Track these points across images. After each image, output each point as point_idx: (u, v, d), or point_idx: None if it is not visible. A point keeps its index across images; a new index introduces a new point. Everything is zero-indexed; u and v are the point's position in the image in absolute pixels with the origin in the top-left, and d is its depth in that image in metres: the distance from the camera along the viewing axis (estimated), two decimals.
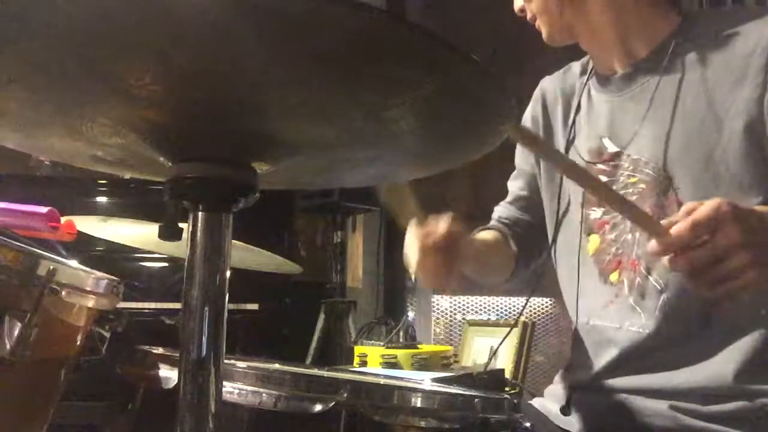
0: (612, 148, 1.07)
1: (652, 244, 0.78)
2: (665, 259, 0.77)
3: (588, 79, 1.15)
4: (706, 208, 0.76)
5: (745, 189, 0.93)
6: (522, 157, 1.31)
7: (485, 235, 1.28)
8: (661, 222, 0.79)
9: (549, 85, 1.27)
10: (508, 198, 1.33)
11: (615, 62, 1.09)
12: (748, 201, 0.92)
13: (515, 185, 1.32)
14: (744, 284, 0.76)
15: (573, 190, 1.14)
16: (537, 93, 1.28)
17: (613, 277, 1.08)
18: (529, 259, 1.29)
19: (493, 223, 1.32)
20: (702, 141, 0.96)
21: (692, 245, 0.75)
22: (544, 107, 1.25)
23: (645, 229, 0.89)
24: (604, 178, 1.08)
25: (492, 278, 1.30)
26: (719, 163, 0.94)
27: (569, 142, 1.15)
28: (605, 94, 1.11)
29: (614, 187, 1.07)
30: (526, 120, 1.28)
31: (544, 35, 1.11)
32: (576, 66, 1.23)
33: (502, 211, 1.33)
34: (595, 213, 1.12)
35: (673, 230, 0.76)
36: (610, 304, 1.06)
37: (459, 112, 0.59)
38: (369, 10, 0.43)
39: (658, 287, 1.00)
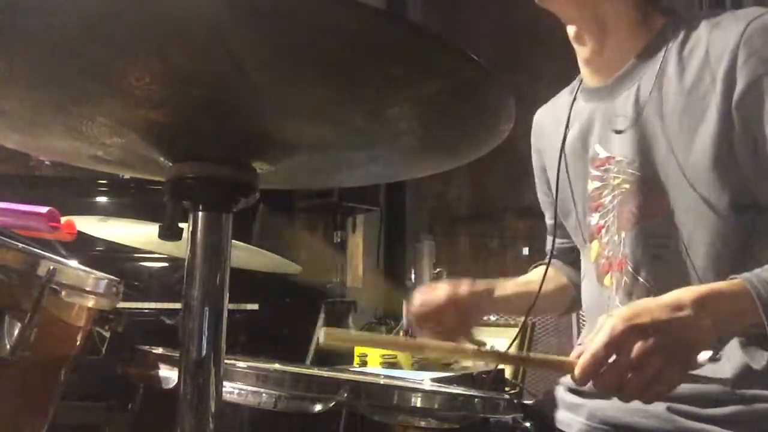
0: (603, 153, 1.08)
1: (572, 378, 0.82)
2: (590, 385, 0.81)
3: (576, 95, 1.15)
4: (601, 335, 0.78)
5: (717, 192, 0.94)
6: (540, 188, 1.33)
7: (532, 275, 1.31)
8: (567, 358, 0.83)
9: (541, 113, 1.29)
10: (548, 230, 1.36)
11: (605, 66, 1.08)
12: (720, 203, 0.93)
13: (546, 216, 1.35)
14: (667, 385, 0.79)
15: (577, 201, 1.14)
16: (533, 125, 1.31)
17: (606, 280, 1.08)
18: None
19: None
20: (679, 145, 0.97)
21: (603, 370, 0.79)
22: (540, 136, 1.28)
23: (552, 368, 0.93)
24: (597, 184, 1.09)
25: (552, 311, 1.30)
26: (693, 166, 0.95)
27: (561, 158, 1.15)
28: (595, 103, 1.11)
29: (604, 192, 1.07)
30: (533, 153, 1.30)
31: None
32: (565, 91, 1.24)
33: (548, 242, 1.36)
34: (594, 219, 1.11)
35: (577, 367, 0.79)
36: (606, 309, 1.06)
37: (458, 112, 0.59)
38: (369, 10, 0.43)
39: (648, 285, 1.00)
